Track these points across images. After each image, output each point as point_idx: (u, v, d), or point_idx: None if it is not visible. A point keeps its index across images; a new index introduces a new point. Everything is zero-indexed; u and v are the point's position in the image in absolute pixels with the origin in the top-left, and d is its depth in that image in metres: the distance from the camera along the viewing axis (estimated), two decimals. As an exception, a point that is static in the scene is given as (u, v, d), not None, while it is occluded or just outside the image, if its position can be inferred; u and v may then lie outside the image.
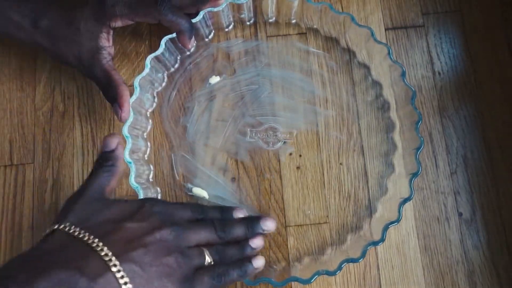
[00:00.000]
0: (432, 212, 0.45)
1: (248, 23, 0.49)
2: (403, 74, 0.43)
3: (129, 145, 0.41)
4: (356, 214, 0.45)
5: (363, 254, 0.39)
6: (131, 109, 0.42)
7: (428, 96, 0.48)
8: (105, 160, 0.36)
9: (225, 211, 0.38)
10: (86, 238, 0.29)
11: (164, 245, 0.32)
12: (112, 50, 0.44)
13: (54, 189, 0.46)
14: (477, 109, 0.47)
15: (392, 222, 0.40)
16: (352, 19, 0.44)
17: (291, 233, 0.44)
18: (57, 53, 0.43)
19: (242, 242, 0.37)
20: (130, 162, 0.40)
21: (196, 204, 0.38)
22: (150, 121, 0.47)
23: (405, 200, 0.40)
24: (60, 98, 0.48)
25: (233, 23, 0.49)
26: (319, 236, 0.44)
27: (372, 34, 0.44)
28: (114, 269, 0.29)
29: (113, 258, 0.29)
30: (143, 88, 0.44)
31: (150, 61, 0.43)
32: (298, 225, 0.45)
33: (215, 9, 0.44)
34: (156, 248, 0.32)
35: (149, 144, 0.46)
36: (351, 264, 0.43)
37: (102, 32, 0.43)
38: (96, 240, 0.30)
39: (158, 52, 0.44)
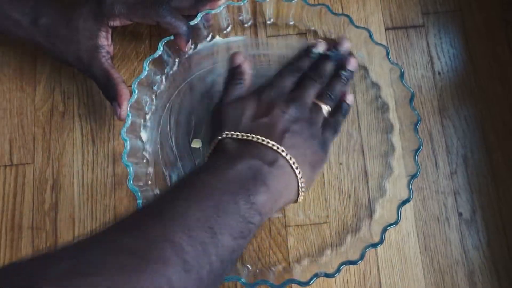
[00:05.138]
0: (432, 212, 0.45)
1: (246, 25, 0.49)
2: (401, 76, 0.43)
3: (127, 148, 0.41)
4: (356, 215, 0.45)
5: (362, 256, 0.39)
6: (129, 111, 0.42)
7: (428, 96, 0.48)
8: (235, 75, 0.41)
9: (309, 56, 0.42)
10: (255, 139, 0.36)
11: (298, 122, 0.38)
12: (111, 49, 0.44)
13: (54, 189, 0.46)
14: (477, 109, 0.47)
15: (390, 224, 0.39)
16: (350, 20, 0.44)
17: (291, 233, 0.44)
18: (56, 52, 0.43)
19: (339, 74, 0.41)
20: (128, 165, 0.40)
21: (287, 69, 0.41)
22: (149, 123, 0.47)
23: (404, 202, 0.40)
24: (60, 98, 0.48)
25: (231, 25, 0.49)
26: (319, 236, 0.44)
27: (370, 36, 0.44)
28: (283, 154, 0.36)
29: (280, 147, 0.36)
30: (141, 90, 0.44)
31: (148, 64, 0.43)
32: (298, 225, 0.45)
33: (213, 11, 0.44)
34: (295, 129, 0.37)
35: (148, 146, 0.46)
36: (350, 264, 0.43)
37: (100, 31, 0.43)
38: (263, 137, 0.36)
39: (156, 55, 0.43)
